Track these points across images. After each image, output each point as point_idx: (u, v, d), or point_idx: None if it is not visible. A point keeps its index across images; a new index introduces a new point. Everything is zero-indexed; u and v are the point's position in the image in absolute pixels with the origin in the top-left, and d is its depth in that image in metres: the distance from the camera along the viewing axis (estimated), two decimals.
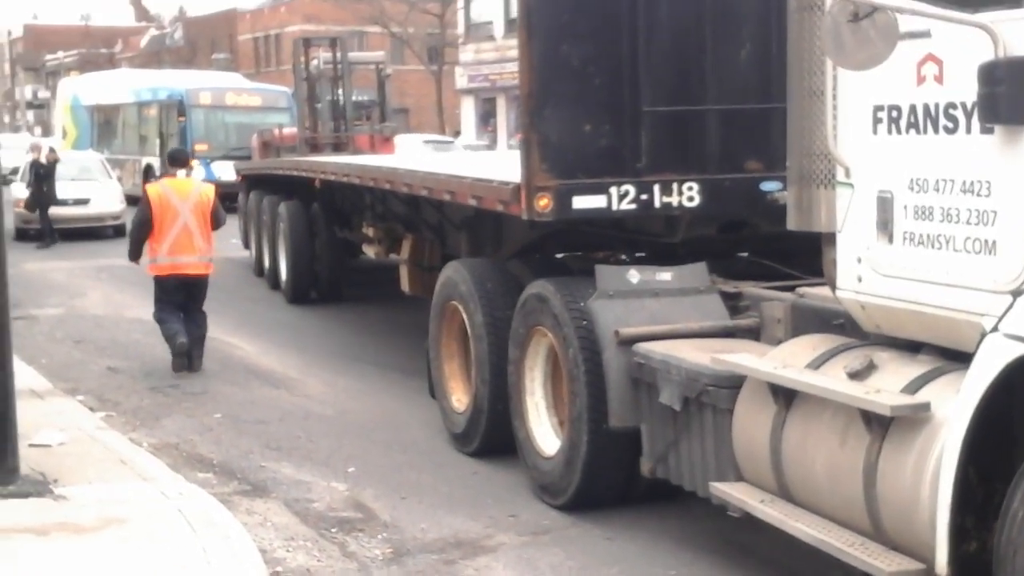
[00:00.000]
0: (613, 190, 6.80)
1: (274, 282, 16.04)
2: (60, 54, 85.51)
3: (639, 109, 6.92)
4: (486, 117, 48.32)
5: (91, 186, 24.35)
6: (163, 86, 32.96)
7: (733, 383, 5.52)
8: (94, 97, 37.22)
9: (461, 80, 48.40)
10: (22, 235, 23.13)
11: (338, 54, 20.41)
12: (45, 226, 22.35)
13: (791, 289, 6.36)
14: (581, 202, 6.69)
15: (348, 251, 14.61)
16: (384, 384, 10.25)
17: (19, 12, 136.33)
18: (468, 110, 49.34)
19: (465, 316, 7.88)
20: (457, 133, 46.35)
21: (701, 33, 7.06)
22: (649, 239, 7.68)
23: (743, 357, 5.48)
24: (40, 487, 6.35)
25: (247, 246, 18.35)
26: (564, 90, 6.90)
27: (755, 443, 5.33)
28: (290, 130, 21.64)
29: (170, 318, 10.64)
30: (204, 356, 10.88)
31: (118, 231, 24.20)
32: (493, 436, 7.73)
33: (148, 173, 31.40)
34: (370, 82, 25.37)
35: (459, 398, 8.18)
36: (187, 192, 10.77)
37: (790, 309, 6.08)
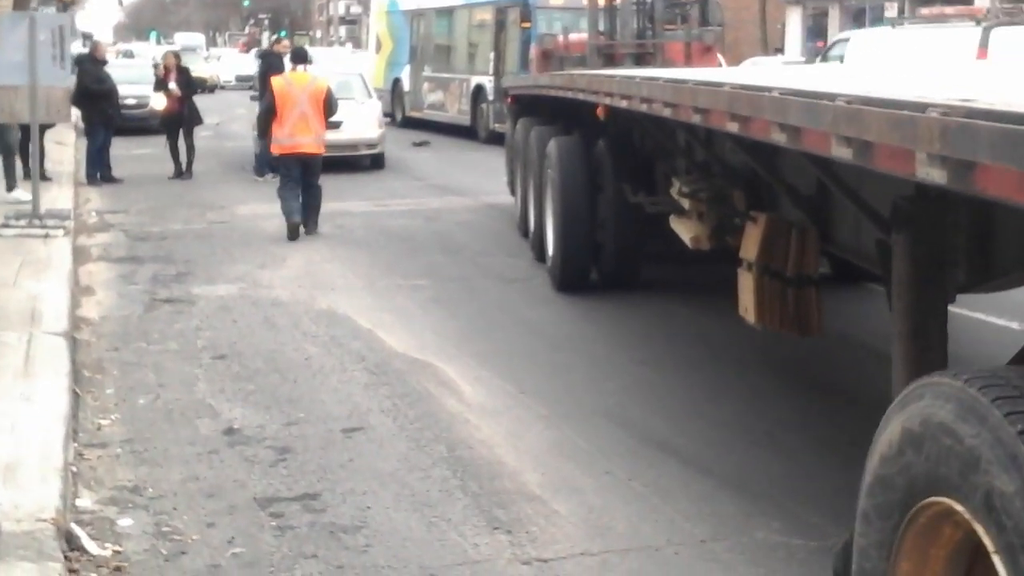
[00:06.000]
0: None
1: (540, 251, 11.05)
2: None
3: None
4: (815, 32, 41.47)
5: (345, 106, 19.84)
6: None
7: None
8: (415, 0, 28.93)
9: None
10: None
11: None
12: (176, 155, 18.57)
13: None
14: None
15: (649, 216, 9.39)
16: (713, 529, 5.04)
17: None
18: (794, 24, 42.57)
19: (994, 553, 2.52)
20: (778, 50, 39.87)
21: None
22: None
23: None
24: None
25: (513, 192, 13.45)
26: None
27: None
28: (579, 36, 16.37)
29: (289, 195, 12.61)
30: (395, 405, 6.83)
31: (375, 162, 19.91)
32: None
33: (478, 97, 24.23)
34: None
35: None
36: (304, 84, 12.82)
37: None
